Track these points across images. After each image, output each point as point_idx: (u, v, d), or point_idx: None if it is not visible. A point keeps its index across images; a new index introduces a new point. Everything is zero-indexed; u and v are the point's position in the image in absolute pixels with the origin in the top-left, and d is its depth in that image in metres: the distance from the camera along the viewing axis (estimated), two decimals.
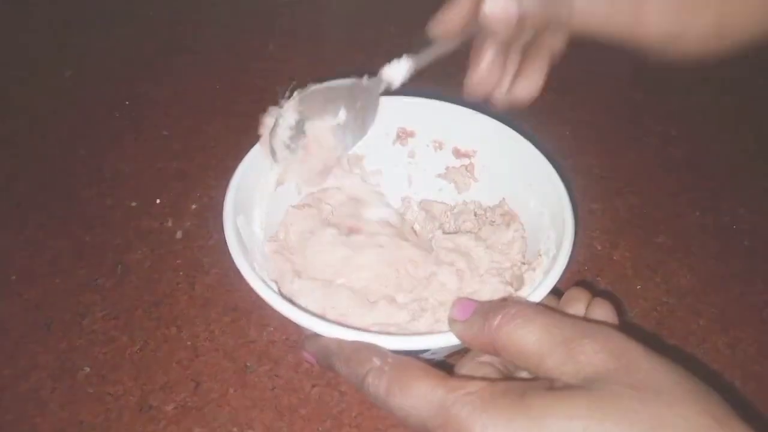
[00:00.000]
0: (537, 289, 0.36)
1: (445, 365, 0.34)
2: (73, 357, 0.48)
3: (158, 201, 0.61)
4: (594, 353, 0.26)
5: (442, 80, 0.76)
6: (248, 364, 0.48)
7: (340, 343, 0.33)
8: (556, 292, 0.38)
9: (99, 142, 0.67)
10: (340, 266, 0.43)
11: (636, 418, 0.24)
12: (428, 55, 0.41)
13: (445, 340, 0.33)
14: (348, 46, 0.84)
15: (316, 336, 0.35)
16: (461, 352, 0.40)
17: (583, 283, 0.55)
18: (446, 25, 0.37)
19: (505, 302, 0.31)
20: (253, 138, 0.45)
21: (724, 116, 0.76)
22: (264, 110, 0.71)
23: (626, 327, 0.32)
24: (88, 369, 0.48)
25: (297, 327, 0.50)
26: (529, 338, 0.28)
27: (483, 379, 0.29)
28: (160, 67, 0.79)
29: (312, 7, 0.92)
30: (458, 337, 0.33)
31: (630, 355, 0.26)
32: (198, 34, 0.86)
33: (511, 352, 0.29)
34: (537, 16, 0.33)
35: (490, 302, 0.32)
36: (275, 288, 0.40)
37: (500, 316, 0.29)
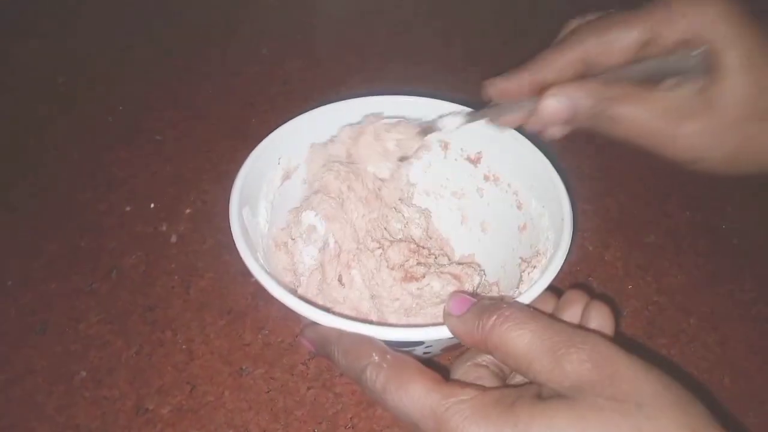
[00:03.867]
0: (532, 287, 0.36)
1: (440, 366, 0.34)
2: (68, 361, 0.49)
3: (152, 205, 0.61)
4: (579, 363, 0.27)
5: (443, 73, 0.77)
6: (243, 367, 0.49)
7: (339, 333, 0.34)
8: (556, 291, 0.39)
9: (93, 147, 0.68)
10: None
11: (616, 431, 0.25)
12: (482, 114, 0.42)
13: (440, 333, 0.34)
14: (341, 48, 0.85)
15: (315, 324, 0.35)
16: (458, 347, 0.40)
17: (576, 284, 0.56)
18: (501, 92, 0.40)
19: (499, 304, 0.31)
20: (247, 139, 0.46)
21: None
22: (257, 113, 0.72)
23: (617, 335, 0.33)
24: (84, 373, 0.48)
25: (291, 330, 0.51)
26: (519, 342, 0.29)
27: (476, 386, 0.30)
28: (154, 72, 0.79)
29: (305, 10, 0.93)
30: (452, 331, 0.33)
31: (614, 366, 0.27)
32: (190, 38, 0.86)
33: (502, 353, 0.30)
34: (584, 118, 0.36)
35: (486, 301, 0.32)
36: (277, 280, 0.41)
37: (494, 317, 0.30)
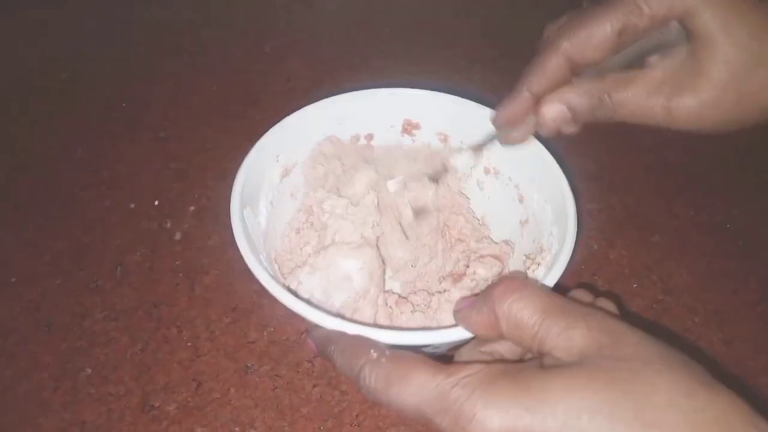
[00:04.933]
0: None
1: (445, 358, 0.34)
2: (74, 358, 0.49)
3: (157, 202, 0.61)
4: (587, 330, 0.27)
5: (446, 73, 0.77)
6: (249, 364, 0.49)
7: (340, 334, 0.34)
8: (559, 288, 0.38)
9: (96, 144, 0.68)
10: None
11: (630, 387, 0.24)
12: (487, 141, 0.46)
13: (446, 336, 0.34)
14: (344, 47, 0.84)
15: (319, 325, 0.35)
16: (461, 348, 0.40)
17: (581, 283, 0.56)
18: (507, 119, 0.41)
19: (506, 276, 0.31)
20: (250, 136, 0.45)
21: None
22: (260, 111, 0.72)
23: (628, 317, 0.33)
24: (89, 370, 0.48)
25: (296, 327, 0.51)
26: (527, 310, 0.29)
27: (480, 362, 0.29)
28: (157, 69, 0.79)
29: (308, 9, 0.92)
30: (462, 321, 0.33)
31: (619, 332, 0.27)
32: (194, 36, 0.86)
33: (510, 322, 0.30)
34: (585, 115, 0.38)
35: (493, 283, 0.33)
36: (279, 279, 0.41)
37: (503, 286, 0.30)
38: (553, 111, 0.38)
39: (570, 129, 0.40)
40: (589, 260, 0.58)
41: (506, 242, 0.49)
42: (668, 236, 0.61)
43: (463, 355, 0.35)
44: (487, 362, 0.29)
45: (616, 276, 0.57)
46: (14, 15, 0.87)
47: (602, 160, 0.69)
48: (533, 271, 0.42)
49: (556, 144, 0.45)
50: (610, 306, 0.36)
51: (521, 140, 0.42)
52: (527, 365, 0.28)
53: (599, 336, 0.27)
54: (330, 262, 0.42)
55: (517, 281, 0.31)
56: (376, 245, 0.44)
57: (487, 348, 0.34)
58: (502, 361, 0.34)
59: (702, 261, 0.59)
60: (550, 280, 0.36)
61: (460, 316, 0.33)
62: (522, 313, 0.29)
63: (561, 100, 0.38)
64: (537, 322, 0.29)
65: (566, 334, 0.27)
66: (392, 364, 0.31)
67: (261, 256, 0.40)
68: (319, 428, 0.45)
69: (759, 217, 0.64)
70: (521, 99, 0.40)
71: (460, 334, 0.33)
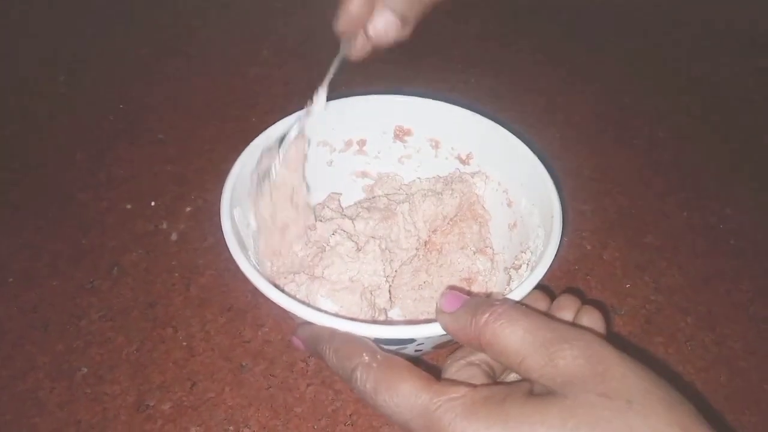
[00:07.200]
0: (522, 285, 0.37)
1: (430, 366, 0.34)
2: (70, 358, 0.49)
3: (153, 204, 0.62)
4: (572, 359, 0.27)
5: (443, 76, 0.77)
6: (244, 364, 0.49)
7: (332, 332, 0.34)
8: (548, 291, 0.39)
9: (94, 146, 0.68)
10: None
11: (608, 428, 0.25)
12: (334, 69, 0.48)
13: (432, 331, 0.34)
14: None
15: (309, 323, 0.36)
16: (448, 344, 0.41)
17: (573, 284, 0.56)
18: (345, 26, 0.42)
19: (492, 300, 0.32)
20: (248, 139, 0.46)
21: (710, 118, 0.78)
22: (258, 114, 0.72)
23: (611, 336, 0.33)
24: (85, 369, 0.48)
25: (291, 327, 0.51)
26: (512, 338, 0.29)
27: (467, 384, 0.30)
28: (155, 71, 0.80)
29: (305, 12, 0.93)
30: (444, 327, 0.33)
31: (606, 363, 0.27)
32: (192, 39, 0.86)
33: (495, 349, 0.30)
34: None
35: (479, 298, 0.33)
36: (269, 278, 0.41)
37: (488, 314, 0.30)
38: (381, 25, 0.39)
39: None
40: (582, 261, 0.59)
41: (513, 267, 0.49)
42: (661, 237, 0.62)
43: (450, 368, 0.35)
44: (473, 385, 0.30)
45: (609, 276, 0.57)
46: (12, 16, 0.87)
47: (595, 161, 0.69)
48: (518, 271, 0.43)
49: (548, 145, 0.46)
50: (595, 318, 0.36)
51: (362, 52, 0.43)
52: (512, 392, 0.28)
53: (584, 366, 0.27)
54: (309, 296, 0.42)
55: (504, 306, 0.31)
56: (366, 292, 0.44)
57: (474, 358, 0.34)
58: (490, 380, 0.34)
59: (695, 261, 0.60)
60: (533, 280, 0.37)
61: (441, 320, 0.34)
62: (507, 341, 0.29)
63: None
64: (522, 350, 0.29)
65: (551, 364, 0.28)
66: (382, 370, 0.31)
67: (249, 253, 0.41)
68: (313, 427, 0.46)
69: (752, 217, 0.64)
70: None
71: (443, 331, 0.34)
